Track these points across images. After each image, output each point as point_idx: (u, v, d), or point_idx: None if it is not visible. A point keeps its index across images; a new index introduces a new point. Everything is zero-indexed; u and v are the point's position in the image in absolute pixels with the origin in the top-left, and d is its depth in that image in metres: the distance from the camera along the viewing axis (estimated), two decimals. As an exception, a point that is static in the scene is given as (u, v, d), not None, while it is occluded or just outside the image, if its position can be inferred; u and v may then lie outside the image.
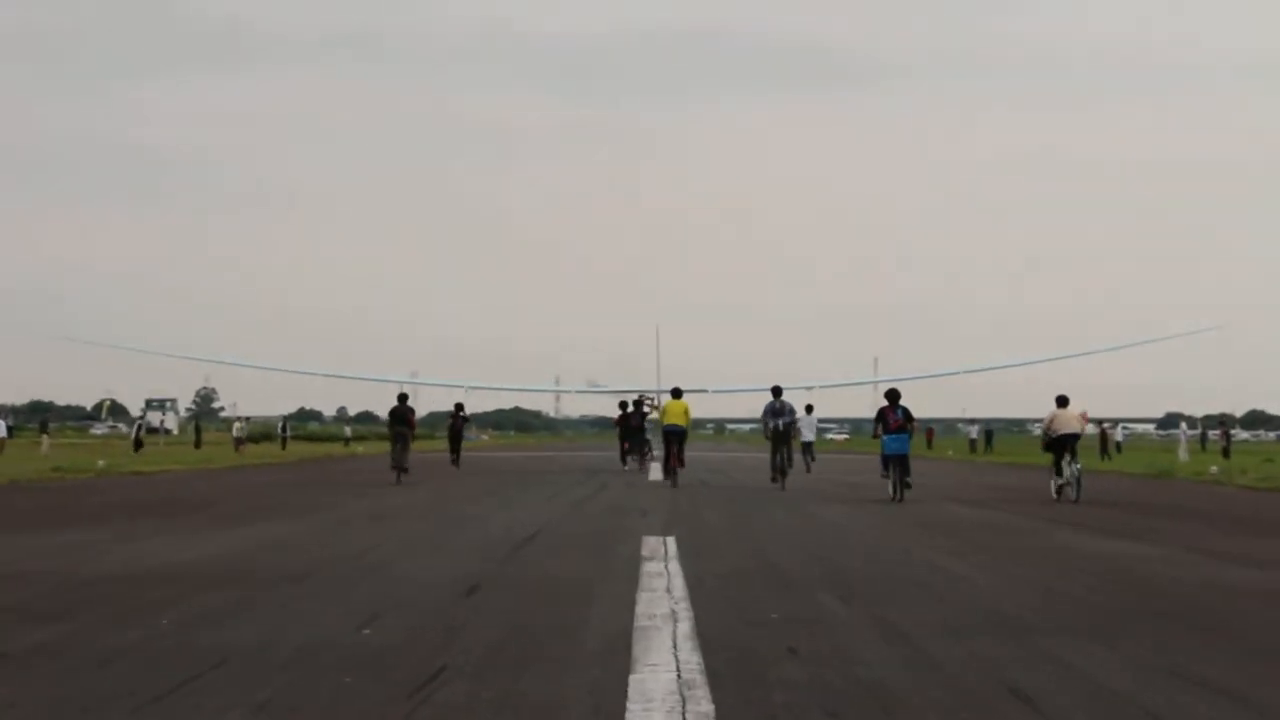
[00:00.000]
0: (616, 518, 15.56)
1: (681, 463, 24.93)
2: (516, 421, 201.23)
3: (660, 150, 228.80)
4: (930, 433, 77.89)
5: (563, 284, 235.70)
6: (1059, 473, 19.50)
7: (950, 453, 56.97)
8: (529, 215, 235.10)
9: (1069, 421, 19.92)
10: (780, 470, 23.25)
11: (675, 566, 9.73)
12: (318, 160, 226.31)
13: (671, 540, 11.85)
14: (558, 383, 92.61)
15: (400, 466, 25.31)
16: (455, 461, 33.30)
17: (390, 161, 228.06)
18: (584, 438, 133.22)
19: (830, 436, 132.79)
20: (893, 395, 19.79)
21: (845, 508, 17.89)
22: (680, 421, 25.32)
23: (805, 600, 8.08)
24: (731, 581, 8.97)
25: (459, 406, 35.17)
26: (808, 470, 29.89)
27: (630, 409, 34.27)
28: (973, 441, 64.15)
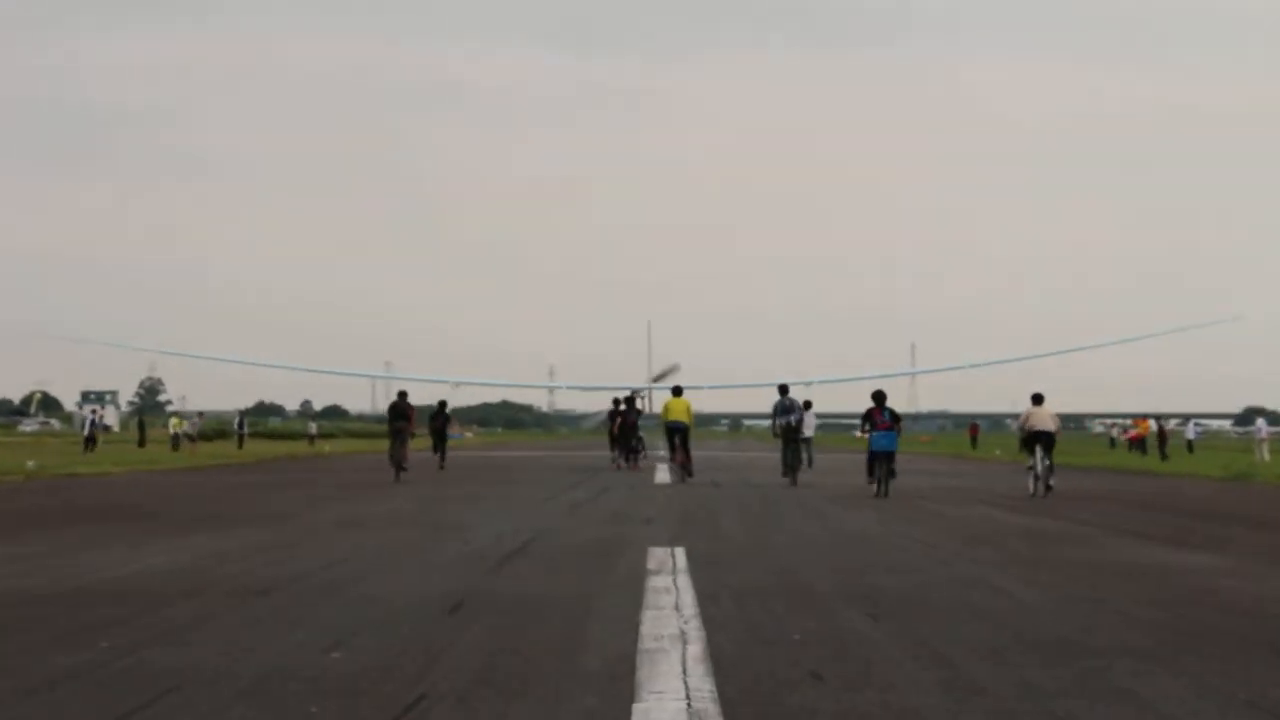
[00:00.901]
0: (618, 525, 15.62)
1: (688, 456, 28.61)
2: (505, 417, 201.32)
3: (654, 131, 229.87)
4: (974, 429, 77.85)
5: (555, 277, 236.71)
6: (1032, 469, 22.46)
7: (998, 452, 56.93)
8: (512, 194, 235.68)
9: (1043, 419, 22.87)
10: (792, 467, 26.57)
11: (685, 580, 9.78)
12: (269, 126, 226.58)
13: (680, 551, 11.89)
14: (551, 376, 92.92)
15: (399, 464, 28.18)
16: (440, 463, 34.46)
17: (358, 128, 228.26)
18: (581, 435, 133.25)
19: (860, 434, 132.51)
20: (879, 397, 22.91)
21: (871, 513, 17.97)
22: (683, 418, 29.18)
23: (831, 618, 8.12)
24: (748, 597, 9.01)
25: (442, 404, 36.36)
26: (809, 466, 32.07)
27: (624, 406, 36.48)
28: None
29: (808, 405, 34.41)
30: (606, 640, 7.26)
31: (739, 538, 14.21)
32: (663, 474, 29.98)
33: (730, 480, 28.36)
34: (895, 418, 22.68)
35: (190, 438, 55.54)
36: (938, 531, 15.17)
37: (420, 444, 38.93)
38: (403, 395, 30.93)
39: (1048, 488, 22.14)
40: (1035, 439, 22.52)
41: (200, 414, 70.99)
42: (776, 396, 27.87)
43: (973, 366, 62.33)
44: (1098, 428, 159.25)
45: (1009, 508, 19.48)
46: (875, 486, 22.04)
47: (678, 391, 31.10)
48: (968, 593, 9.43)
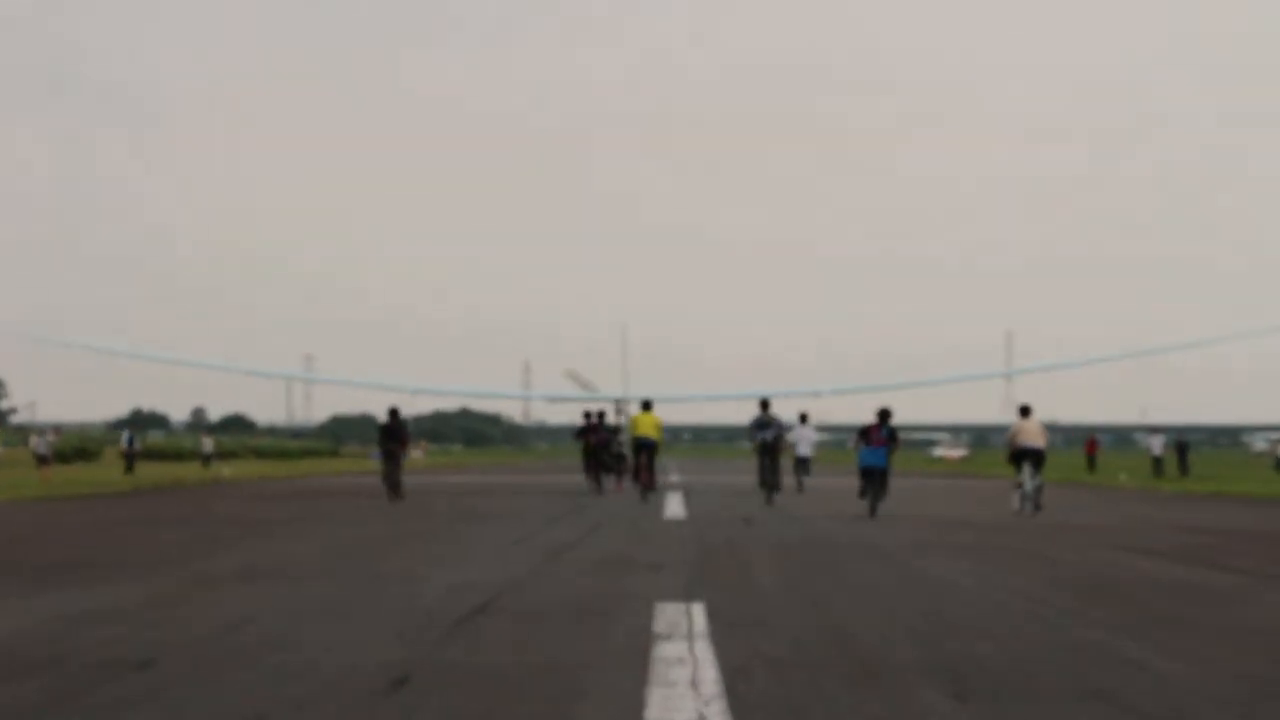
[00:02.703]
0: (615, 573, 15.63)
1: (652, 476, 35.88)
2: (465, 430, 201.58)
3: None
4: (1092, 446, 77.89)
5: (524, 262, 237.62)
6: (1020, 486, 27.54)
7: (1124, 476, 57.05)
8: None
9: (1031, 434, 27.81)
10: (770, 485, 33.21)
11: (705, 649, 9.79)
12: (169, 52, 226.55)
13: (699, 609, 11.91)
14: (527, 375, 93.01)
15: (394, 486, 34.48)
16: (394, 488, 36.77)
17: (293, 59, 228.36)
18: (564, 453, 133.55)
19: (939, 452, 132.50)
20: (884, 414, 27.91)
21: (944, 557, 17.97)
22: (652, 434, 35.94)
23: (900, 698, 8.13)
24: (790, 670, 9.03)
25: (393, 413, 38.17)
26: (800, 489, 38.79)
27: (596, 420, 42.25)
28: (1156, 460, 64.15)
29: (803, 418, 41.35)
30: (601, 727, 7.27)
31: (776, 589, 14.23)
32: (674, 506, 30.11)
33: (765, 514, 28.41)
34: (894, 437, 27.95)
35: (42, 459, 55.62)
36: (1043, 582, 15.17)
37: (340, 465, 39.77)
38: (394, 414, 36.43)
39: (1036, 507, 27.40)
40: (1023, 455, 27.69)
41: (56, 428, 71.09)
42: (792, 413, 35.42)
43: (1116, 359, 62.68)
44: (1259, 443, 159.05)
45: (1140, 551, 19.50)
46: (867, 503, 27.35)
47: (647, 405, 37.25)
48: (1086, 665, 9.44)
